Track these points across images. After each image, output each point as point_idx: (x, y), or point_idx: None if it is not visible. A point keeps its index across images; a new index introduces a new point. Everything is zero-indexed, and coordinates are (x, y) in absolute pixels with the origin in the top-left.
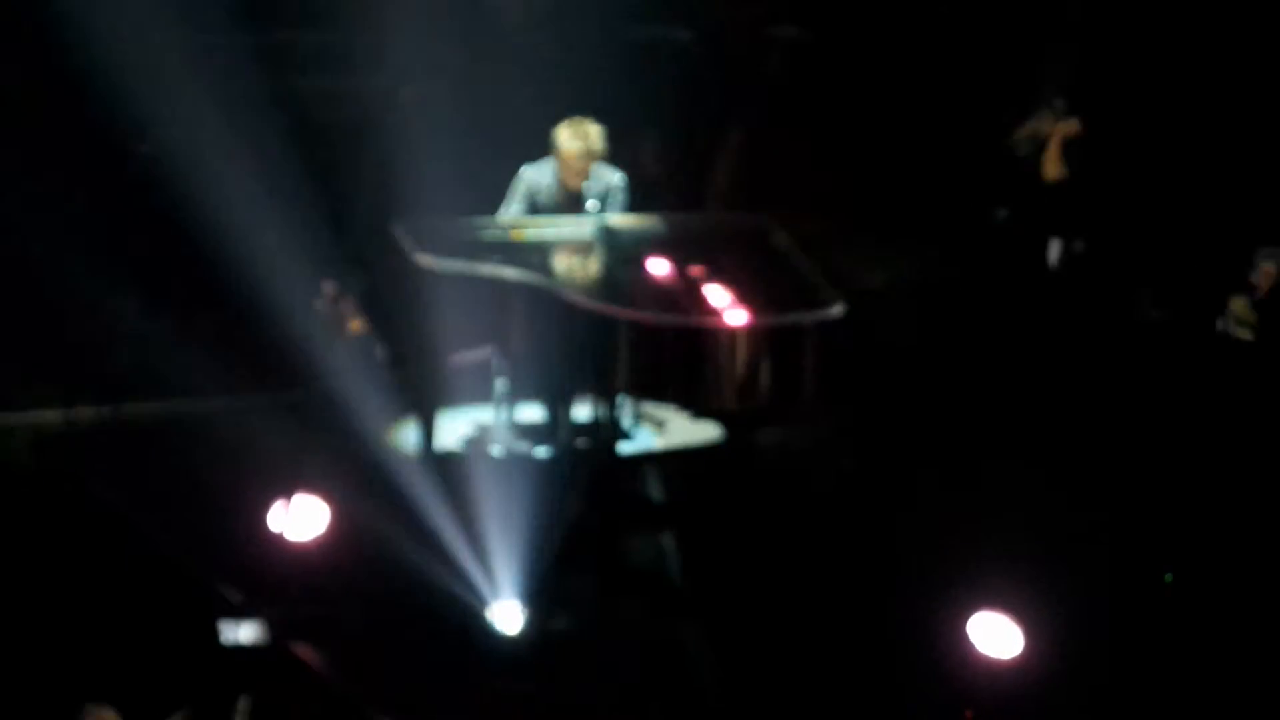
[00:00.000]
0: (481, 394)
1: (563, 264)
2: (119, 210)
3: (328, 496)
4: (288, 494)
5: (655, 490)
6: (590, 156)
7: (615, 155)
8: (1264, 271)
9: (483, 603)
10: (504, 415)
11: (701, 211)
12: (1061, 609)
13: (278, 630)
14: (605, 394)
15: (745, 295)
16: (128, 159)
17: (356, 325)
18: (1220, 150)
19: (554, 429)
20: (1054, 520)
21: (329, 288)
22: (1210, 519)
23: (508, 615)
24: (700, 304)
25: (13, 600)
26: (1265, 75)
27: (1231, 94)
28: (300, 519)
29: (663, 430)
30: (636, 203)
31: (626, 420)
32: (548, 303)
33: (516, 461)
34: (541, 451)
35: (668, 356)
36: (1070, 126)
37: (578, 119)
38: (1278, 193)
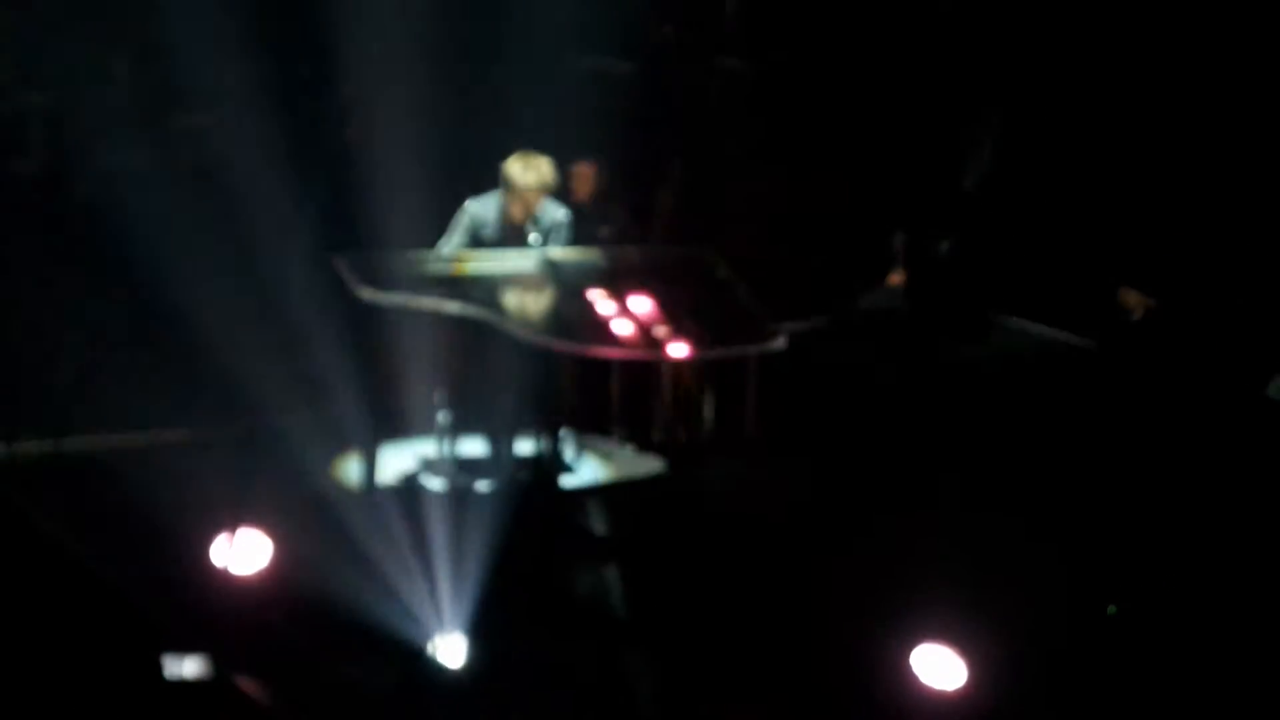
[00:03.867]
0: (424, 427)
1: (506, 298)
2: (62, 242)
3: (271, 531)
4: (231, 528)
5: (598, 523)
6: (543, 189)
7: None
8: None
9: (426, 636)
10: (447, 449)
11: (644, 244)
12: (1004, 641)
13: (221, 665)
14: (548, 427)
15: (688, 328)
16: (69, 190)
17: None
18: (1162, 177)
19: (497, 462)
20: (997, 552)
21: None
22: (1154, 552)
23: (451, 649)
24: (643, 337)
25: None
26: (1213, 102)
27: (1175, 123)
28: (244, 553)
29: (606, 463)
30: (579, 235)
31: (569, 453)
32: (490, 336)
33: (459, 495)
34: (484, 485)
35: (610, 389)
36: None
37: (528, 152)
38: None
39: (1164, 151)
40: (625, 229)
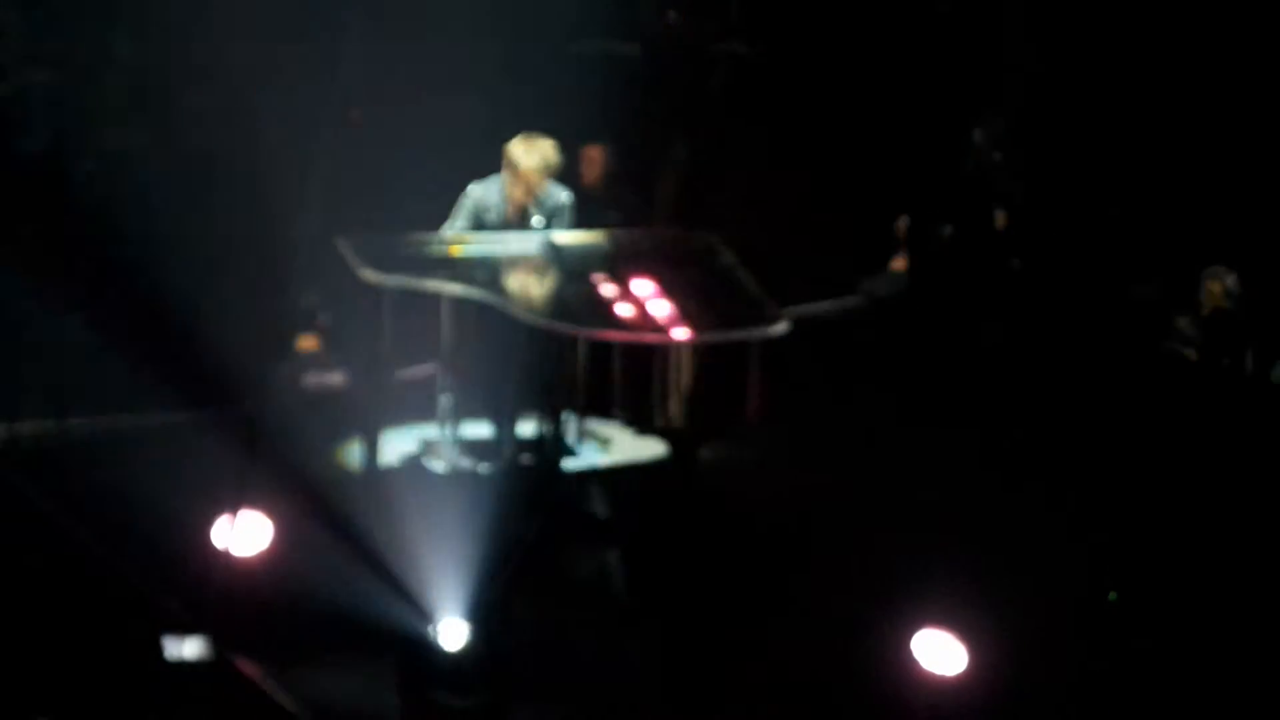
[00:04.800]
0: (427, 410)
1: (509, 280)
2: (61, 223)
3: (272, 512)
4: (232, 510)
5: (600, 507)
6: (546, 170)
7: (562, 170)
8: (1209, 290)
9: (427, 619)
10: (449, 431)
11: (647, 227)
12: (1005, 626)
13: (222, 645)
14: (550, 410)
15: (690, 312)
16: (69, 173)
17: (307, 342)
18: (1165, 169)
19: (499, 445)
20: (998, 537)
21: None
22: (1155, 537)
23: (452, 631)
24: (645, 320)
25: None
26: (1211, 94)
27: (1176, 114)
28: (244, 535)
29: (608, 447)
30: (583, 219)
31: (571, 437)
32: (493, 319)
33: (461, 478)
34: (486, 468)
35: (613, 373)
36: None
37: (531, 134)
38: (1221, 212)
39: (1172, 138)
40: (634, 213)
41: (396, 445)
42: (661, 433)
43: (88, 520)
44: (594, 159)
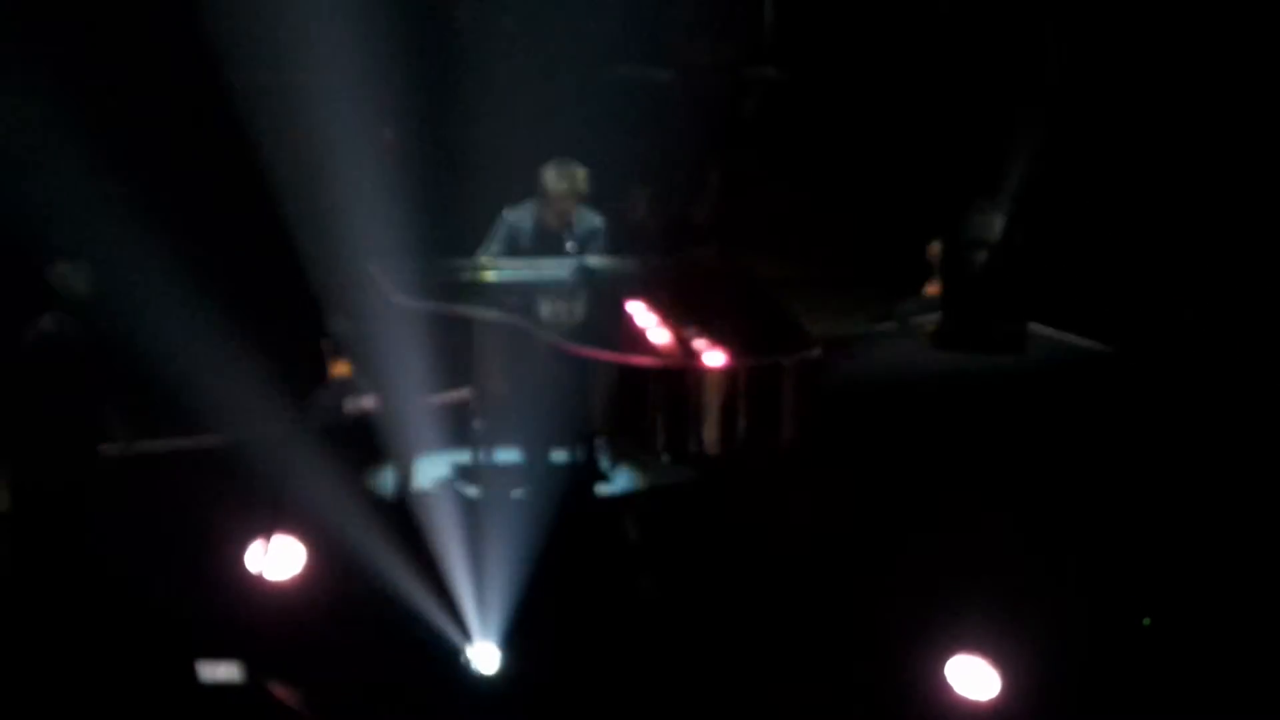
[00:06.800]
0: (460, 435)
1: (542, 305)
2: (102, 249)
3: (305, 537)
4: (266, 534)
5: (633, 532)
6: (576, 197)
7: (595, 196)
8: None
9: (460, 644)
10: (482, 457)
11: (680, 252)
12: (1038, 652)
13: (255, 670)
14: (583, 436)
15: (724, 337)
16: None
17: (341, 368)
18: (1199, 203)
19: (532, 471)
20: (1031, 563)
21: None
22: (1188, 563)
23: (485, 656)
24: (679, 346)
25: None
26: (1242, 126)
27: (1210, 147)
28: (278, 559)
29: (641, 472)
30: (617, 244)
31: (604, 462)
32: (526, 344)
33: (494, 503)
34: (519, 493)
35: (646, 398)
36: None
37: (564, 160)
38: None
39: (1200, 161)
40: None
41: (430, 471)
42: (695, 458)
43: (122, 544)
44: (640, 203)
